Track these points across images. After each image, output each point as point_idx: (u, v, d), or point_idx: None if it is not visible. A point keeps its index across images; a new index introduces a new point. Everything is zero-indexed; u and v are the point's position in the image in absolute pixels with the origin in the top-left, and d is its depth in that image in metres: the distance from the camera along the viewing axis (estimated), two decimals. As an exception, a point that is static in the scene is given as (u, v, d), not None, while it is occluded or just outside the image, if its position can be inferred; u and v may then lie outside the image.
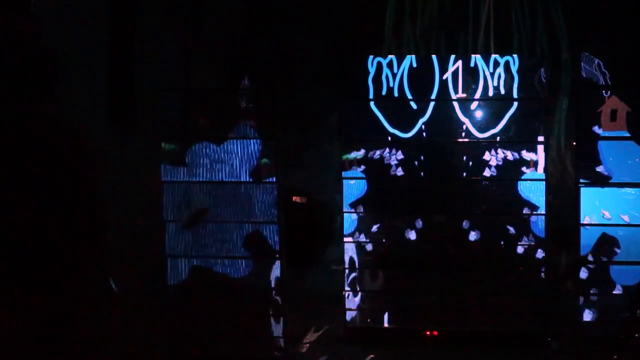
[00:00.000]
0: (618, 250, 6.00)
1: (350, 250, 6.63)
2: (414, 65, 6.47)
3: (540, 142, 6.38)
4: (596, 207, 5.99)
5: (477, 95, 6.39)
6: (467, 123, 6.41)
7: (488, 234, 6.49)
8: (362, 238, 6.62)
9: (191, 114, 6.44)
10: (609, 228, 5.98)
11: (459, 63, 6.40)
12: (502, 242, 6.49)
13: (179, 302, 6.27)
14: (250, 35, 7.91)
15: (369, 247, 6.63)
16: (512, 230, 6.47)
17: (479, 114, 6.42)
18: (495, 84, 6.36)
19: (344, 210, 6.58)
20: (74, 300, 2.54)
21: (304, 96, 7.73)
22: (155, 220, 6.24)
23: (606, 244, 6.01)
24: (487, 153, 6.45)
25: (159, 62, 6.96)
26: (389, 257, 6.62)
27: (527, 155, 6.40)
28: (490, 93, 6.37)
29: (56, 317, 2.52)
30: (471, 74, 6.38)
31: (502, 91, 6.35)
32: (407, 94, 6.47)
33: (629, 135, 5.96)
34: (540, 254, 6.41)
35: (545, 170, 6.40)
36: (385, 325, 6.62)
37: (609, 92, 5.94)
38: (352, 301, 6.66)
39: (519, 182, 6.43)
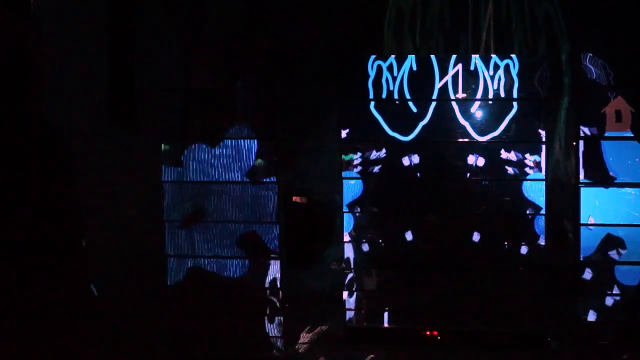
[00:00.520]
0: (621, 251, 6.00)
1: (350, 250, 6.63)
2: (414, 68, 6.47)
3: (541, 142, 6.38)
4: (597, 207, 5.99)
5: (478, 97, 6.39)
6: (467, 126, 6.41)
7: (488, 234, 6.49)
8: (362, 238, 6.61)
9: (191, 114, 6.44)
10: (613, 228, 5.98)
11: (459, 66, 6.40)
12: (502, 242, 6.48)
13: (178, 302, 6.27)
14: (250, 35, 7.91)
15: (369, 247, 6.63)
16: (512, 230, 6.46)
17: (479, 117, 6.42)
18: (495, 87, 6.36)
19: (344, 210, 6.58)
20: (54, 305, 2.54)
21: (304, 96, 7.73)
22: (156, 220, 6.24)
23: (608, 244, 6.01)
24: (487, 154, 6.45)
25: (159, 62, 6.96)
26: (388, 257, 6.62)
27: (527, 155, 6.39)
28: (491, 95, 6.36)
29: (37, 321, 2.52)
30: (471, 77, 6.38)
31: (502, 93, 6.35)
32: (407, 96, 6.47)
33: (632, 135, 5.96)
34: (540, 253, 6.41)
35: (546, 170, 6.40)
36: (385, 325, 6.61)
37: (613, 92, 5.94)
38: (352, 301, 6.65)
39: (519, 182, 6.42)
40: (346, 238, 6.59)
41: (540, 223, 6.41)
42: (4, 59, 2.66)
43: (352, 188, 6.59)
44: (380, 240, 6.63)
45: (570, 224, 6.42)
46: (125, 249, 6.56)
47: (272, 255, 6.15)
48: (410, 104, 6.47)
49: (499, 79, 6.36)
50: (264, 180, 6.13)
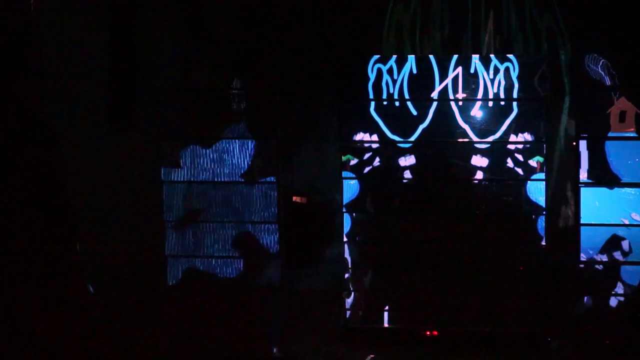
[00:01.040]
0: (625, 251, 6.00)
1: (350, 250, 6.63)
2: (414, 71, 6.48)
3: (541, 142, 6.38)
4: (600, 207, 6.00)
5: (478, 99, 6.39)
6: (467, 129, 6.42)
7: (488, 234, 6.49)
8: (362, 238, 6.62)
9: (191, 114, 6.44)
10: (619, 229, 5.98)
11: (459, 69, 6.40)
12: (502, 242, 6.48)
13: (178, 302, 6.28)
14: (250, 35, 7.91)
15: (369, 247, 6.63)
16: (511, 230, 6.47)
17: (479, 120, 6.42)
18: (496, 89, 6.36)
19: (344, 211, 6.59)
20: (48, 303, 2.54)
21: (304, 96, 7.73)
22: (156, 220, 6.24)
23: (614, 244, 6.02)
24: (487, 155, 6.45)
25: (159, 62, 6.97)
26: (388, 257, 6.62)
27: (527, 156, 6.40)
28: (492, 103, 6.37)
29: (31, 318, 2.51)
30: (471, 80, 6.38)
31: (503, 96, 6.35)
32: (407, 100, 6.48)
33: (635, 135, 5.96)
34: (540, 253, 6.41)
35: (546, 170, 6.40)
36: (385, 325, 6.61)
37: (617, 93, 5.94)
38: (352, 301, 6.65)
39: (518, 182, 6.43)
40: (346, 238, 6.60)
41: (540, 223, 6.42)
42: (3, 59, 2.66)
43: (352, 188, 6.59)
44: (381, 241, 6.63)
45: (570, 224, 6.43)
46: (124, 248, 6.57)
47: (272, 255, 6.15)
48: (411, 106, 6.48)
49: (499, 82, 6.36)
50: (264, 180, 6.14)
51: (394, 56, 6.55)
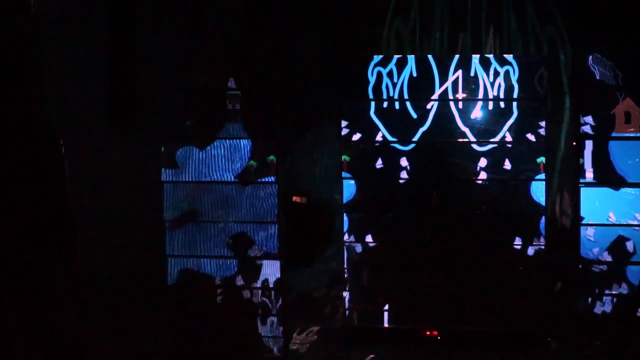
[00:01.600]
0: (629, 251, 6.01)
1: (350, 250, 6.63)
2: (414, 74, 6.48)
3: (540, 143, 6.38)
4: (603, 207, 6.00)
5: (477, 104, 6.39)
6: (468, 132, 6.42)
7: (488, 234, 6.49)
8: (362, 238, 6.62)
9: (191, 114, 6.44)
10: (624, 230, 5.98)
11: (459, 72, 6.41)
12: (502, 242, 6.49)
13: (177, 302, 6.28)
14: (250, 35, 7.91)
15: (369, 247, 6.63)
16: (511, 230, 6.47)
17: (479, 122, 6.42)
18: (495, 92, 6.36)
19: (344, 211, 6.59)
20: (41, 303, 2.53)
21: (304, 96, 7.73)
22: (156, 220, 6.24)
23: (619, 245, 6.02)
24: (487, 155, 6.45)
25: (159, 62, 6.96)
26: (389, 257, 6.62)
27: (527, 155, 6.40)
28: (491, 103, 6.37)
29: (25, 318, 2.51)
30: (471, 83, 6.38)
31: (503, 100, 6.35)
32: (407, 103, 6.48)
33: (638, 135, 5.96)
34: (540, 253, 6.41)
35: (546, 170, 6.40)
36: (385, 325, 6.62)
37: (622, 93, 5.94)
38: (352, 301, 6.66)
39: (518, 182, 6.43)
40: (346, 238, 6.60)
41: (540, 223, 6.42)
42: (3, 59, 2.65)
43: (352, 188, 6.59)
44: (381, 241, 6.63)
45: (570, 223, 6.43)
46: (124, 248, 6.56)
47: (272, 255, 6.15)
48: (411, 109, 6.49)
49: (499, 85, 6.36)
50: (264, 180, 6.14)
51: (394, 59, 6.55)
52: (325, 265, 7.70)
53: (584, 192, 6.05)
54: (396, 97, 6.48)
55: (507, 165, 6.44)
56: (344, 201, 6.60)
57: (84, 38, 6.33)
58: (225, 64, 6.71)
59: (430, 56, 6.54)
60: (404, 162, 6.55)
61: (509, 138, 6.40)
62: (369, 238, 6.63)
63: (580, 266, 6.07)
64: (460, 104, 6.42)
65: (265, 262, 6.20)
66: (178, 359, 6.24)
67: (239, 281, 6.23)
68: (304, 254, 7.72)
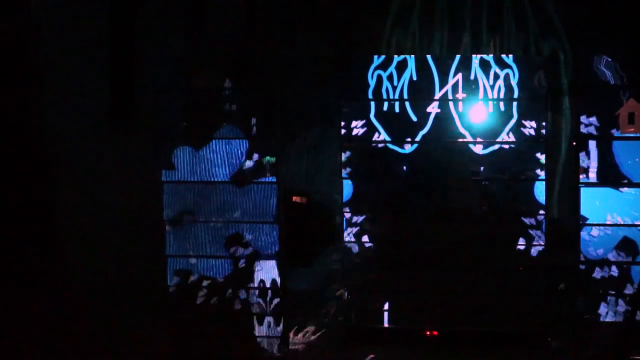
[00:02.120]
0: (633, 252, 6.01)
1: (349, 250, 6.63)
2: (414, 77, 6.48)
3: (540, 142, 6.38)
4: (604, 208, 6.00)
5: (478, 106, 6.39)
6: (467, 135, 6.42)
7: (488, 234, 6.49)
8: (362, 238, 6.62)
9: (191, 114, 6.44)
10: (627, 230, 5.98)
11: (459, 76, 6.40)
12: (501, 242, 6.49)
13: (177, 302, 6.28)
14: (250, 35, 7.91)
15: (369, 247, 6.63)
16: (512, 230, 6.47)
17: (479, 124, 6.42)
18: (495, 95, 6.36)
19: (344, 210, 6.59)
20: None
21: (304, 96, 7.73)
22: (155, 220, 6.24)
23: (624, 246, 6.02)
24: (487, 155, 6.45)
25: (159, 62, 6.96)
26: (388, 257, 6.62)
27: (527, 155, 6.40)
28: (491, 106, 6.37)
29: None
30: (472, 85, 6.38)
31: (503, 104, 6.35)
32: (407, 106, 6.48)
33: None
34: (540, 253, 6.41)
35: (546, 170, 6.40)
36: (385, 325, 6.61)
37: (626, 94, 5.94)
38: (352, 301, 6.65)
39: (518, 182, 6.43)
40: (346, 238, 6.60)
41: (540, 223, 6.42)
42: (3, 59, 2.66)
43: (352, 189, 6.59)
44: (381, 241, 6.63)
45: (570, 224, 6.42)
46: (124, 248, 6.57)
47: (271, 255, 6.15)
48: (411, 112, 6.49)
49: (499, 87, 6.36)
50: (264, 180, 6.14)
51: (394, 62, 6.54)
52: (324, 265, 7.70)
53: (586, 192, 6.03)
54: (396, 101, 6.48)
55: (507, 166, 6.44)
56: (344, 201, 6.59)
57: (84, 38, 6.33)
58: (225, 64, 6.72)
59: (430, 59, 6.52)
60: (404, 163, 6.55)
61: (508, 139, 6.40)
62: (368, 238, 6.62)
63: (580, 266, 6.07)
64: (460, 108, 6.42)
65: (265, 262, 6.20)
66: (177, 359, 6.23)
67: (239, 281, 6.23)
68: (304, 254, 7.73)
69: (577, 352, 6.04)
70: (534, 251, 6.42)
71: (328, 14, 8.12)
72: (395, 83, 6.48)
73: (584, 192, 6.02)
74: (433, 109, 6.46)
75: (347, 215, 6.60)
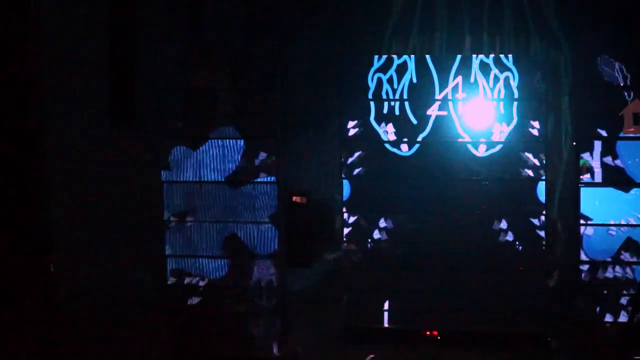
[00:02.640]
0: (627, 251, 6.02)
1: (349, 250, 6.64)
2: (414, 80, 6.48)
3: (540, 142, 6.39)
4: (601, 207, 6.01)
5: (478, 108, 6.39)
6: (467, 138, 6.43)
7: (488, 234, 6.50)
8: (362, 238, 6.62)
9: (191, 114, 6.44)
10: (629, 230, 5.98)
11: (459, 79, 6.41)
12: (502, 242, 6.49)
13: (177, 301, 6.28)
14: (250, 35, 7.91)
15: (369, 247, 6.63)
16: (512, 230, 6.47)
17: (478, 131, 6.43)
18: (495, 95, 6.37)
19: (344, 210, 6.60)
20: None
21: (304, 96, 7.73)
22: (155, 220, 6.25)
23: (624, 246, 6.03)
24: (487, 156, 6.46)
25: (159, 62, 6.96)
26: (389, 257, 6.63)
27: (526, 155, 6.41)
28: (491, 109, 6.37)
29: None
30: (472, 88, 6.39)
31: (503, 106, 6.36)
32: (407, 109, 6.49)
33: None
34: (540, 253, 6.42)
35: (546, 170, 6.41)
36: (385, 325, 6.62)
37: (632, 94, 5.94)
38: (352, 301, 6.66)
39: (518, 182, 6.44)
40: (346, 238, 6.60)
41: (540, 223, 6.42)
42: (4, 58, 2.66)
43: (352, 189, 6.60)
44: (381, 241, 6.64)
45: (570, 224, 6.43)
46: (124, 248, 6.57)
47: (271, 255, 6.15)
48: (411, 115, 6.49)
49: (499, 90, 6.37)
50: (264, 180, 6.14)
51: (394, 65, 6.53)
52: (325, 265, 7.70)
53: (588, 192, 6.03)
54: (397, 103, 6.48)
55: (507, 166, 6.44)
56: (344, 201, 6.60)
57: (84, 38, 6.33)
58: (225, 64, 6.72)
59: (430, 62, 6.51)
60: (404, 165, 6.55)
61: (509, 140, 6.40)
62: (368, 238, 6.63)
63: (580, 266, 6.07)
64: (460, 110, 6.42)
65: (264, 262, 6.20)
66: (178, 358, 6.24)
67: (238, 281, 6.23)
68: (304, 254, 7.73)
69: (577, 352, 6.04)
70: (534, 251, 6.42)
71: (328, 15, 8.11)
72: (395, 86, 6.49)
73: (586, 192, 6.02)
74: (433, 111, 6.47)
75: (347, 215, 6.61)
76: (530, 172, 6.40)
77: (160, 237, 6.23)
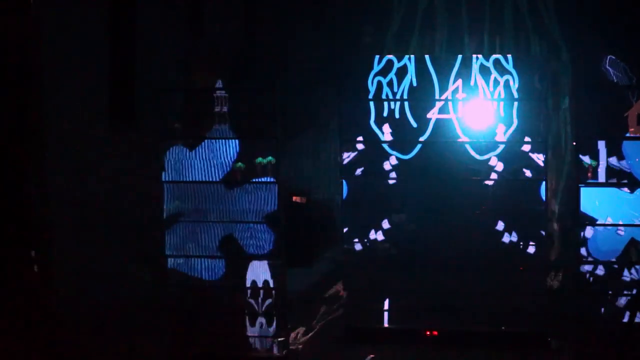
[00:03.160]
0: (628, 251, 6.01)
1: (349, 250, 6.64)
2: (414, 84, 6.48)
3: (541, 142, 6.39)
4: (601, 207, 6.00)
5: (478, 109, 6.39)
6: (467, 139, 6.43)
7: (488, 234, 6.50)
8: (362, 238, 6.62)
9: (191, 113, 6.44)
10: (630, 230, 5.98)
11: (459, 82, 6.41)
12: (502, 242, 6.49)
13: (177, 302, 6.28)
14: (250, 36, 7.92)
15: (369, 247, 6.63)
16: (512, 230, 6.47)
17: (478, 132, 6.43)
18: (496, 96, 6.37)
19: (344, 210, 6.60)
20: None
21: (304, 96, 7.74)
22: (155, 220, 6.25)
23: (629, 247, 6.02)
24: (487, 154, 6.46)
25: (160, 63, 6.97)
26: (388, 257, 6.63)
27: (527, 155, 6.40)
28: (492, 111, 6.37)
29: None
30: (472, 91, 6.39)
31: (503, 108, 6.36)
32: (407, 112, 6.49)
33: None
34: (540, 253, 6.42)
35: (547, 171, 6.41)
36: (385, 325, 6.62)
37: (636, 95, 5.93)
38: (352, 301, 6.66)
39: (519, 182, 6.43)
40: (345, 238, 6.60)
41: (541, 223, 6.42)
42: (4, 58, 2.67)
43: (351, 189, 6.60)
44: (381, 241, 6.64)
45: (570, 224, 6.43)
46: (124, 248, 6.56)
47: (271, 255, 6.15)
48: (411, 118, 6.49)
49: (499, 93, 6.37)
50: (264, 180, 6.14)
51: (394, 69, 6.53)
52: (325, 265, 7.71)
53: (589, 192, 6.02)
54: (397, 106, 6.48)
55: (507, 167, 6.43)
56: (344, 201, 6.60)
57: (84, 38, 6.33)
58: (225, 63, 6.72)
59: (430, 65, 6.50)
60: (404, 165, 6.54)
61: (508, 140, 6.40)
62: (368, 238, 6.63)
63: (580, 266, 6.07)
64: (461, 113, 6.41)
65: (264, 262, 6.20)
66: (178, 359, 6.23)
67: (238, 281, 6.23)
68: (304, 254, 7.73)
69: (577, 352, 6.04)
70: (534, 251, 6.42)
71: (329, 15, 8.12)
72: (395, 89, 6.49)
73: (588, 192, 6.01)
74: (433, 114, 6.47)
75: (347, 215, 6.61)
76: (531, 173, 6.40)
77: (160, 237, 6.23)
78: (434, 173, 6.49)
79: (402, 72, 6.50)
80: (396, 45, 8.27)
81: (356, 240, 6.62)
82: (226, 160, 6.16)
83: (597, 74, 6.06)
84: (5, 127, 5.55)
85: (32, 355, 5.03)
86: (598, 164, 5.99)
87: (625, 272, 6.05)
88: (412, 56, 6.55)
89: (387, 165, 6.55)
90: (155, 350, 6.13)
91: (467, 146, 6.42)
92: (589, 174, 6.02)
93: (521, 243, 6.45)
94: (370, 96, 6.49)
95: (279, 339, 6.18)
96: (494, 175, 6.46)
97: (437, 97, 6.42)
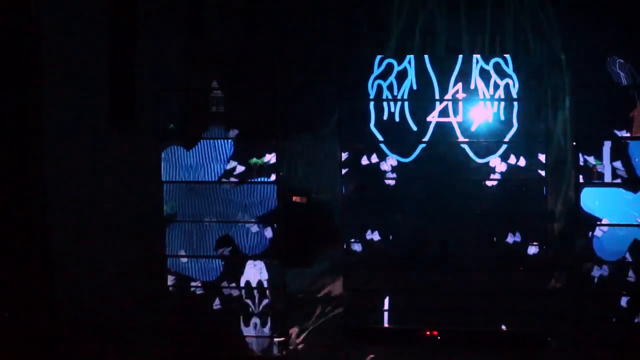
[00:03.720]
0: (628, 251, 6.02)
1: (349, 250, 6.64)
2: (414, 87, 6.49)
3: (541, 144, 6.39)
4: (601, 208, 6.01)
5: (478, 116, 6.39)
6: (467, 140, 6.43)
7: (488, 234, 6.50)
8: (362, 238, 6.62)
9: (191, 113, 6.44)
10: (631, 231, 5.98)
11: (459, 85, 6.41)
12: (502, 242, 6.49)
13: (177, 302, 6.28)
14: (250, 35, 7.91)
15: (369, 247, 6.63)
16: (512, 230, 6.47)
17: (479, 134, 6.43)
18: (496, 101, 6.37)
19: (344, 210, 6.60)
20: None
21: (304, 96, 7.73)
22: (156, 220, 6.25)
23: (612, 244, 6.02)
24: (488, 155, 6.46)
25: (160, 62, 6.96)
26: (389, 257, 6.63)
27: (527, 156, 6.41)
28: (491, 115, 6.37)
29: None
30: (472, 94, 6.39)
31: (503, 112, 6.36)
32: (407, 115, 6.49)
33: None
34: (540, 253, 6.42)
35: (546, 171, 6.41)
36: (385, 325, 6.62)
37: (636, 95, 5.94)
38: (352, 301, 6.66)
39: (518, 182, 6.43)
40: (345, 238, 6.60)
41: (541, 223, 6.42)
42: (4, 58, 2.67)
43: (352, 189, 6.60)
44: (381, 241, 6.64)
45: (570, 224, 6.43)
46: (124, 248, 6.57)
47: (271, 255, 6.16)
48: (411, 122, 6.50)
49: (499, 97, 6.37)
50: (264, 180, 6.14)
51: (394, 72, 6.53)
52: (325, 265, 7.70)
53: (590, 192, 6.03)
54: (397, 110, 6.48)
55: (508, 167, 6.44)
56: (344, 201, 6.60)
57: (84, 38, 6.33)
58: (225, 64, 6.72)
59: (430, 67, 6.51)
60: (404, 166, 6.55)
61: (508, 140, 6.41)
62: (368, 238, 6.63)
63: (581, 266, 6.07)
64: (460, 117, 6.42)
65: (265, 262, 6.20)
66: (178, 359, 6.24)
67: (238, 281, 6.23)
68: (304, 254, 7.73)
69: (577, 352, 6.04)
70: (534, 251, 6.42)
71: (329, 15, 8.11)
72: (395, 93, 6.49)
73: (589, 193, 6.02)
74: (433, 117, 6.47)
75: (347, 215, 6.61)
76: (531, 174, 6.40)
77: (160, 237, 6.23)
78: (434, 174, 6.50)
79: (402, 76, 6.51)
80: (396, 46, 8.26)
81: (356, 240, 6.62)
82: (226, 160, 6.16)
83: (598, 74, 6.06)
84: (5, 126, 5.55)
85: (33, 355, 5.04)
86: (599, 164, 6.00)
87: (625, 272, 6.05)
88: (412, 59, 6.55)
89: (387, 167, 6.56)
90: (154, 350, 6.13)
91: (467, 148, 6.43)
92: (590, 174, 6.02)
93: (521, 243, 6.45)
94: (371, 97, 6.49)
95: (279, 339, 6.18)
96: (494, 176, 6.46)
97: (437, 98, 6.41)
